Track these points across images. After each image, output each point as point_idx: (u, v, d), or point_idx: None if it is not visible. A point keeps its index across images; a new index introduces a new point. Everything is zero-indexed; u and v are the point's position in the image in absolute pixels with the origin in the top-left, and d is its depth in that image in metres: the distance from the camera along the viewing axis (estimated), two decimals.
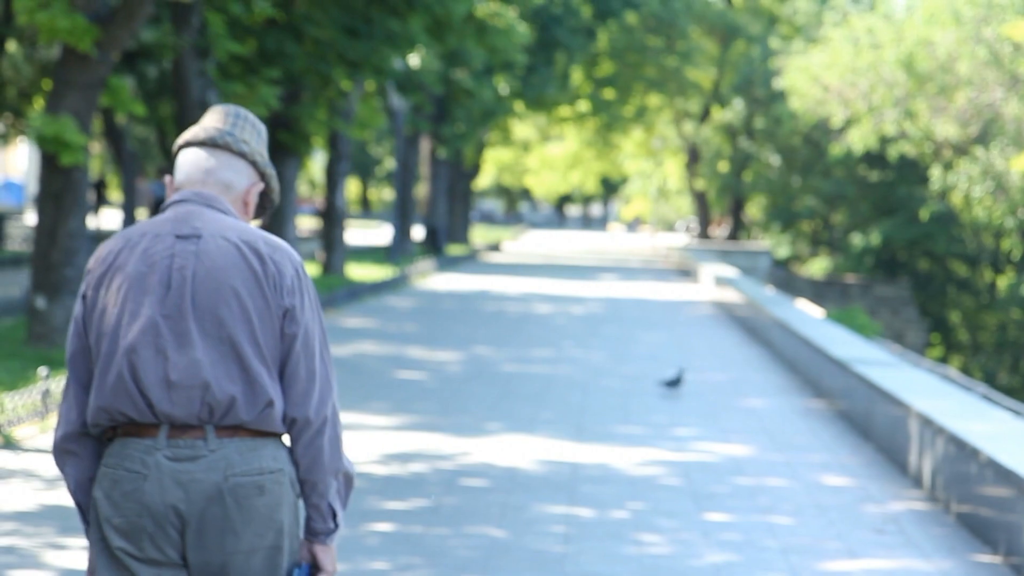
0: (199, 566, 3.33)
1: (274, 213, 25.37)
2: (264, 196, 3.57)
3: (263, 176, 3.54)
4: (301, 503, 3.46)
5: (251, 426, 3.34)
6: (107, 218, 53.87)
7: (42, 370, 10.86)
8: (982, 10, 37.61)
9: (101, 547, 3.38)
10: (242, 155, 3.49)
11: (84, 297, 3.42)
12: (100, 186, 45.86)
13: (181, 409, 3.31)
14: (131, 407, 3.32)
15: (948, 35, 37.83)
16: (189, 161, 3.50)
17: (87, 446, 3.44)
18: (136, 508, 3.31)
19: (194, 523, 3.31)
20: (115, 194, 69.65)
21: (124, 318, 3.35)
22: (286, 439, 3.45)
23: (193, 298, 3.34)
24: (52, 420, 10.85)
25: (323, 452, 3.40)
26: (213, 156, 3.49)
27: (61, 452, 3.45)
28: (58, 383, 11.10)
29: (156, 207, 27.81)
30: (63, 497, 8.32)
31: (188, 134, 3.52)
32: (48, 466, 9.21)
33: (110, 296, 3.38)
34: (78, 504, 3.47)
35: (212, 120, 3.52)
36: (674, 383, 13.94)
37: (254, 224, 3.57)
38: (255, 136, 3.53)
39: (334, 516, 3.45)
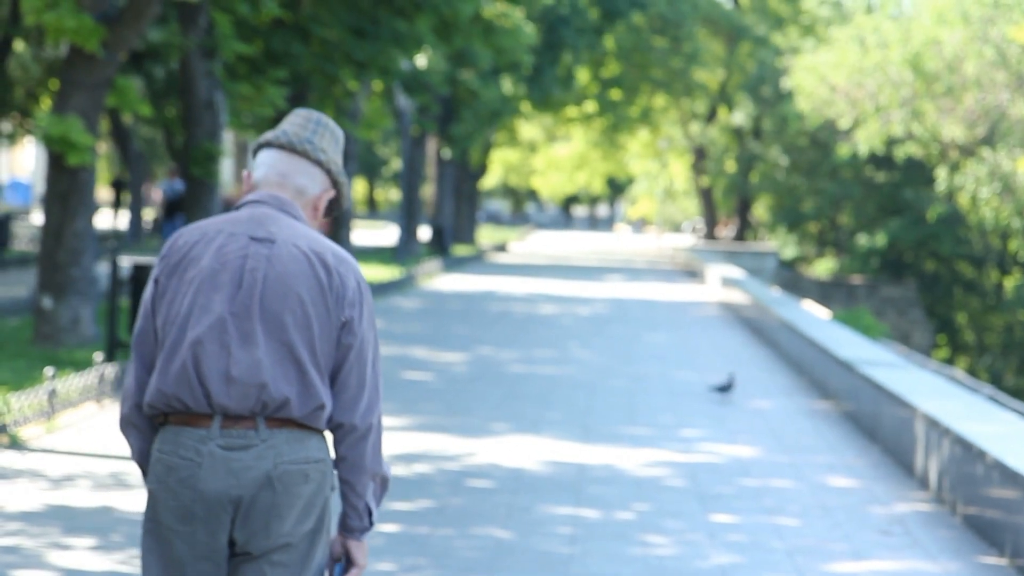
0: (244, 545, 3.49)
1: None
2: (333, 202, 3.72)
3: (335, 184, 3.69)
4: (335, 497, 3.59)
5: (299, 421, 3.51)
6: (117, 218, 53.99)
7: (48, 370, 10.87)
8: (989, 10, 37.57)
9: (152, 524, 3.54)
10: (318, 163, 3.65)
11: (156, 281, 3.58)
12: (119, 186, 45.90)
13: (236, 403, 3.48)
14: (189, 396, 3.49)
15: (955, 35, 37.80)
16: (267, 162, 3.65)
17: (147, 421, 3.62)
18: (191, 494, 3.47)
19: (245, 507, 3.48)
20: (122, 194, 69.72)
21: (194, 310, 3.51)
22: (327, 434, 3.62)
23: (261, 300, 3.50)
24: (58, 420, 10.86)
25: (365, 456, 3.57)
26: (291, 160, 3.64)
27: (127, 425, 3.63)
28: (64, 383, 11.11)
29: (168, 207, 27.88)
30: (68, 497, 8.33)
31: (270, 135, 3.67)
32: (54, 466, 9.22)
33: (182, 286, 3.53)
34: (142, 468, 3.66)
35: (294, 124, 3.65)
36: (725, 388, 13.74)
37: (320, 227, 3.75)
38: (333, 144, 3.68)
39: (370, 515, 3.62)
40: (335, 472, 3.62)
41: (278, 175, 3.64)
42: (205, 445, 3.48)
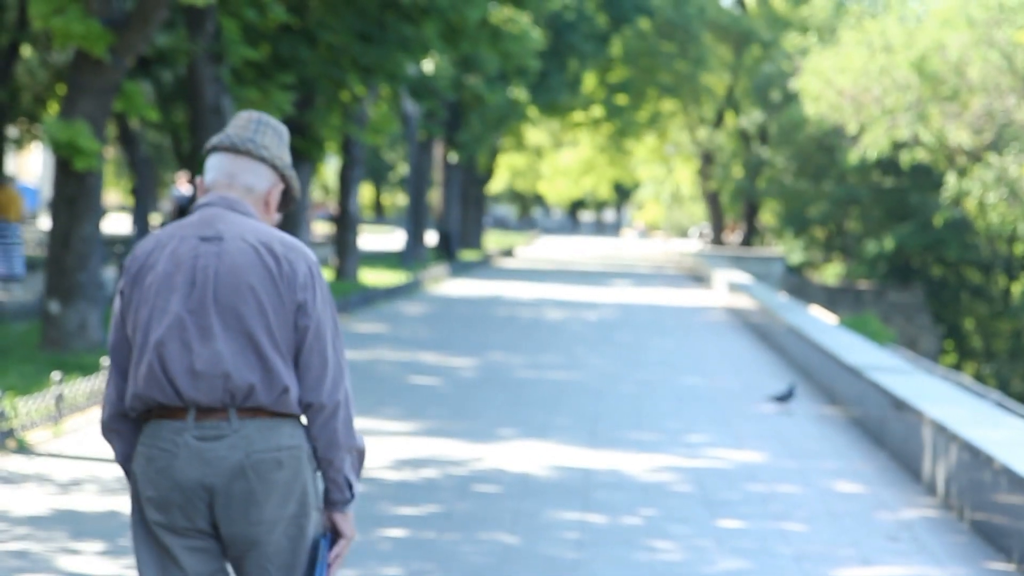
0: (229, 537, 3.69)
1: (288, 218, 25.40)
2: (286, 195, 3.91)
3: (283, 178, 3.87)
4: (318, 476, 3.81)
5: (270, 408, 3.68)
6: (123, 224, 54.03)
7: (55, 374, 10.88)
8: (994, 13, 37.54)
9: (137, 519, 3.76)
10: (262, 160, 3.83)
11: (122, 293, 3.78)
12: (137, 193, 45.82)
13: (205, 395, 3.65)
14: (161, 394, 3.68)
15: (960, 38, 37.78)
16: (215, 166, 3.85)
17: (129, 425, 3.81)
18: (168, 483, 3.66)
19: (221, 497, 3.65)
20: (129, 199, 69.82)
21: (154, 313, 3.70)
22: (303, 419, 3.78)
23: (215, 295, 3.68)
24: (66, 424, 10.87)
25: (337, 432, 3.73)
26: (236, 161, 3.83)
27: (108, 431, 3.83)
28: (71, 387, 11.12)
29: (180, 212, 28.20)
30: (76, 502, 8.33)
31: (215, 139, 3.86)
32: (61, 470, 9.22)
33: (143, 293, 3.73)
34: (126, 471, 3.84)
35: (236, 127, 3.86)
36: (784, 398, 13.51)
37: (276, 220, 3.92)
38: (276, 141, 3.86)
39: (350, 487, 3.79)
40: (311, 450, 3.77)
41: (226, 176, 3.83)
42: (181, 436, 3.66)
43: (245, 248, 3.71)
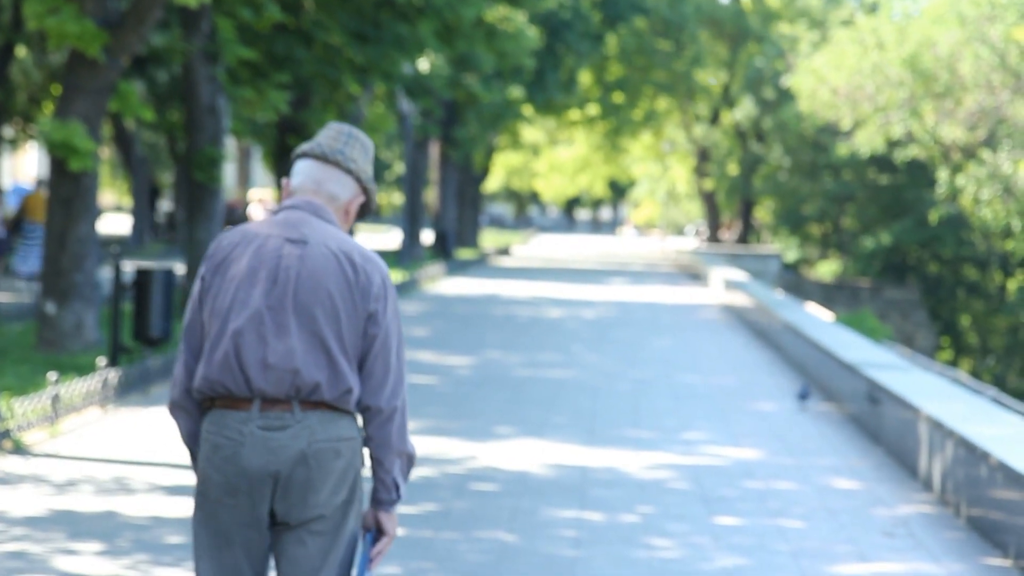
0: (284, 517, 3.89)
1: None
2: (364, 206, 4.13)
3: (365, 190, 4.11)
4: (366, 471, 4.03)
5: (330, 403, 3.91)
6: (117, 224, 53.99)
7: (51, 375, 10.87)
8: (986, 10, 37.55)
9: (200, 501, 3.97)
10: (349, 171, 4.06)
11: (203, 279, 3.98)
12: (154, 193, 46.05)
13: (273, 387, 3.87)
14: (232, 382, 3.88)
15: (951, 35, 37.80)
16: (303, 171, 4.07)
17: (195, 404, 4.01)
18: (235, 470, 3.88)
19: (283, 482, 3.87)
20: (125, 199, 69.72)
21: (235, 304, 3.91)
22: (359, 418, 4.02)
23: (294, 295, 3.91)
24: (62, 425, 10.86)
25: (391, 436, 3.96)
26: (324, 169, 4.05)
27: (176, 408, 4.03)
28: (67, 388, 11.11)
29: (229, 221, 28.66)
30: (73, 502, 8.33)
31: (306, 146, 4.07)
32: (57, 471, 9.22)
33: (225, 283, 3.94)
34: (190, 450, 4.06)
35: (327, 136, 4.08)
36: (804, 397, 13.69)
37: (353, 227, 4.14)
38: (363, 155, 4.10)
39: (397, 488, 4.00)
40: (365, 450, 4.00)
41: (313, 182, 4.05)
42: (246, 426, 3.88)
43: (327, 254, 3.92)
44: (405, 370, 4.01)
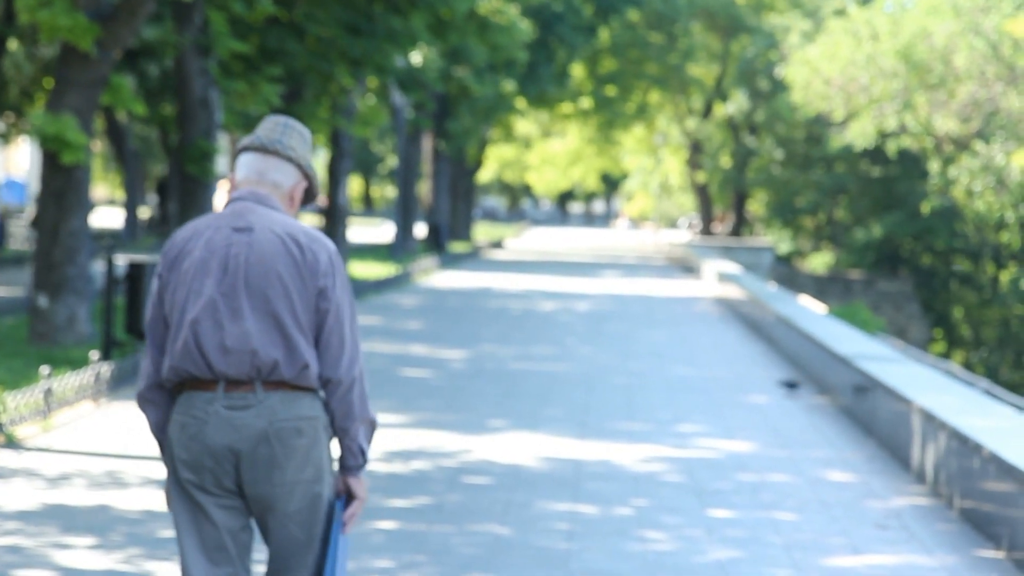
0: (253, 496, 4.10)
1: None
2: (307, 191, 4.34)
3: (306, 176, 4.30)
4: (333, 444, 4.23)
5: (292, 382, 4.10)
6: (111, 217, 53.90)
7: (44, 369, 10.85)
8: (980, 1, 37.55)
9: (173, 479, 4.17)
10: (289, 159, 4.27)
11: (160, 276, 4.19)
12: (162, 188, 46.06)
13: (234, 369, 4.07)
14: (194, 367, 4.09)
15: (945, 26, 37.80)
16: (245, 163, 4.28)
17: (163, 396, 4.23)
18: (199, 447, 4.08)
19: (247, 460, 4.07)
20: (118, 192, 69.62)
21: (190, 295, 4.12)
22: (321, 393, 4.21)
23: (245, 279, 4.10)
24: (54, 419, 10.85)
25: (353, 405, 4.16)
26: (265, 160, 4.27)
27: (143, 401, 4.24)
28: (60, 382, 11.10)
29: None
30: (66, 496, 8.32)
31: (245, 140, 4.29)
32: (50, 465, 9.21)
33: (180, 276, 4.15)
34: (159, 441, 4.26)
35: (265, 129, 4.29)
36: (793, 385, 14.05)
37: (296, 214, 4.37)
38: (301, 142, 4.30)
39: (363, 454, 4.22)
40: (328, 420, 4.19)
41: (256, 173, 4.25)
42: (211, 405, 4.09)
43: (273, 238, 4.12)
44: (359, 341, 4.22)
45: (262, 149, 4.27)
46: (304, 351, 4.09)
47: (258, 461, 4.06)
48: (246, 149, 4.29)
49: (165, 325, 4.18)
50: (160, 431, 4.24)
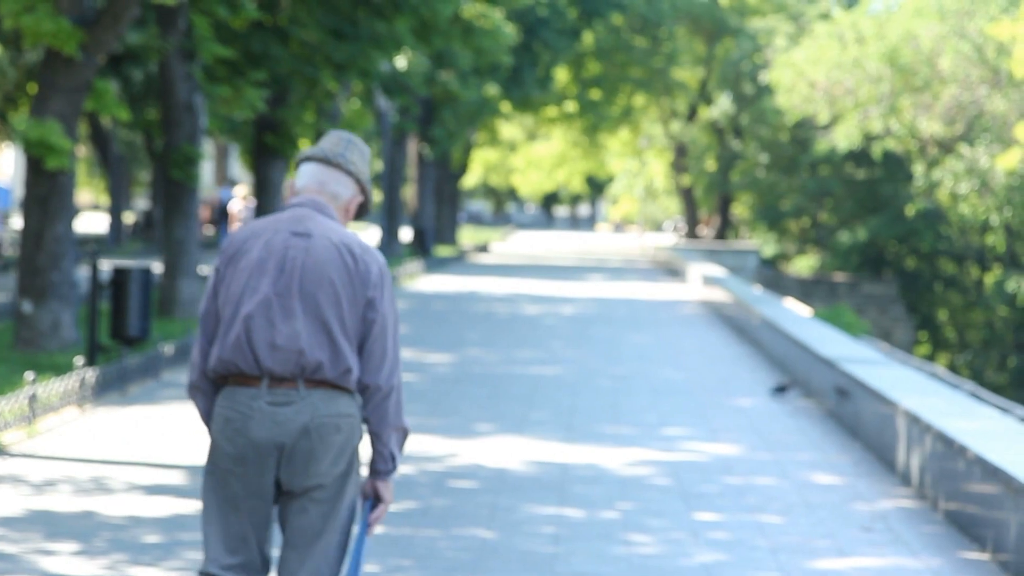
0: (288, 485, 4.32)
1: (261, 216, 25.33)
2: (362, 205, 4.57)
3: (363, 190, 4.54)
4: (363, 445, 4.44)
5: (332, 382, 4.32)
6: (95, 222, 53.77)
7: (28, 375, 10.82)
8: (965, 4, 37.65)
9: (210, 468, 4.38)
10: (349, 173, 4.50)
11: (218, 270, 4.41)
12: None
13: (280, 366, 4.30)
14: (243, 361, 4.31)
15: (931, 29, 37.89)
16: (308, 173, 4.51)
17: (211, 384, 4.43)
18: (244, 441, 4.30)
19: (287, 453, 4.30)
20: (102, 197, 69.45)
21: (246, 291, 4.33)
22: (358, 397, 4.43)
23: (300, 282, 4.32)
24: (39, 425, 10.82)
25: (388, 412, 4.40)
26: (327, 171, 4.50)
27: (193, 390, 4.46)
28: (45, 387, 11.07)
29: (222, 212, 29.07)
30: (50, 502, 8.30)
31: (309, 151, 4.52)
32: (35, 471, 9.18)
33: (237, 273, 4.36)
34: (207, 426, 4.46)
35: (329, 142, 4.52)
36: (782, 389, 14.17)
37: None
38: (361, 159, 4.53)
39: (393, 460, 4.44)
40: (364, 425, 4.42)
41: (317, 183, 4.49)
42: (256, 401, 4.30)
43: (329, 246, 4.34)
44: (400, 353, 4.43)
45: (325, 161, 4.48)
46: (348, 356, 4.31)
47: (297, 453, 4.28)
48: (309, 159, 4.50)
49: (217, 318, 4.38)
50: (209, 417, 4.44)
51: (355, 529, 4.43)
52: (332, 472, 4.33)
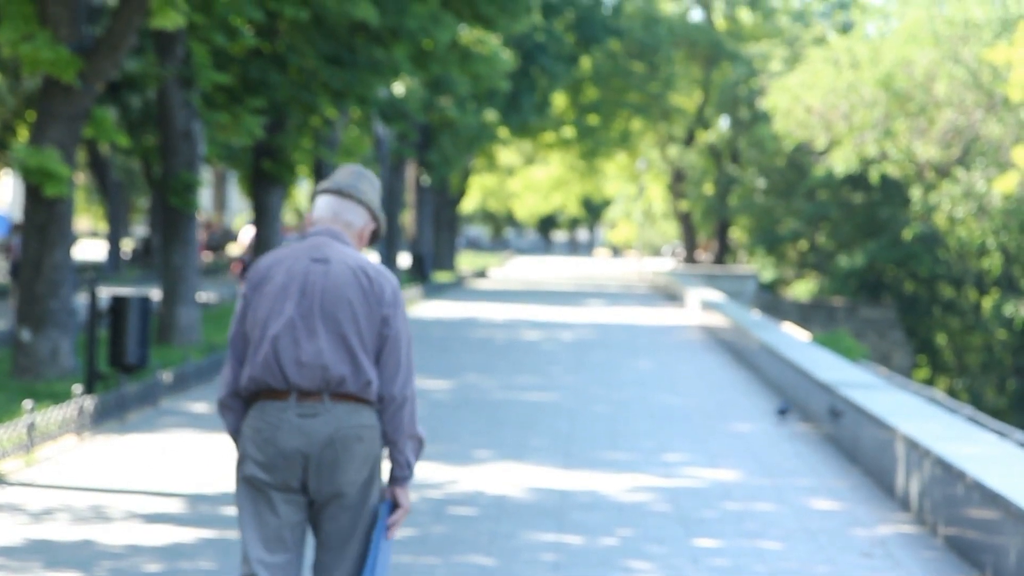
0: (316, 492, 4.64)
1: (260, 242, 25.36)
2: (374, 232, 4.92)
3: (374, 218, 4.89)
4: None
5: (355, 395, 4.67)
6: (94, 249, 53.75)
7: (27, 403, 10.82)
8: (960, 29, 37.77)
9: (241, 476, 4.68)
10: (361, 203, 4.86)
11: (245, 296, 4.76)
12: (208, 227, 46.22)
13: (307, 381, 4.64)
14: (272, 378, 4.65)
15: (926, 54, 37.99)
16: (323, 205, 4.87)
17: (239, 403, 4.77)
18: (273, 450, 4.64)
19: (314, 461, 4.63)
20: (101, 224, 69.47)
21: (271, 314, 4.69)
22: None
23: (320, 304, 4.68)
24: (38, 453, 10.81)
25: (403, 421, 4.74)
26: (340, 202, 4.86)
27: (222, 407, 4.78)
28: (43, 416, 11.06)
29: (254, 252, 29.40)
30: (49, 531, 8.29)
31: (324, 184, 4.88)
32: (34, 500, 9.17)
33: (263, 298, 4.72)
34: (235, 441, 4.78)
35: (342, 174, 4.89)
36: (784, 412, 14.30)
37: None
38: (371, 189, 4.90)
39: (409, 467, 4.77)
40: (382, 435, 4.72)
41: (331, 213, 4.85)
42: (284, 413, 4.64)
43: (346, 270, 4.71)
44: (414, 365, 4.80)
45: (338, 192, 4.84)
46: (368, 369, 4.67)
47: (323, 462, 4.62)
48: (324, 192, 4.86)
49: (245, 340, 4.74)
50: (237, 433, 4.76)
51: (374, 534, 4.72)
52: (356, 480, 4.65)
